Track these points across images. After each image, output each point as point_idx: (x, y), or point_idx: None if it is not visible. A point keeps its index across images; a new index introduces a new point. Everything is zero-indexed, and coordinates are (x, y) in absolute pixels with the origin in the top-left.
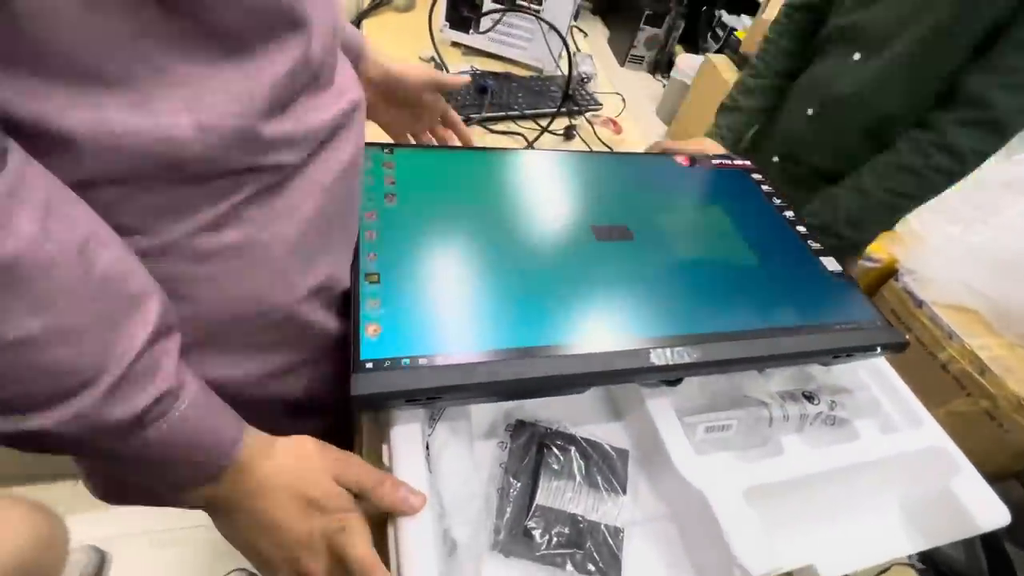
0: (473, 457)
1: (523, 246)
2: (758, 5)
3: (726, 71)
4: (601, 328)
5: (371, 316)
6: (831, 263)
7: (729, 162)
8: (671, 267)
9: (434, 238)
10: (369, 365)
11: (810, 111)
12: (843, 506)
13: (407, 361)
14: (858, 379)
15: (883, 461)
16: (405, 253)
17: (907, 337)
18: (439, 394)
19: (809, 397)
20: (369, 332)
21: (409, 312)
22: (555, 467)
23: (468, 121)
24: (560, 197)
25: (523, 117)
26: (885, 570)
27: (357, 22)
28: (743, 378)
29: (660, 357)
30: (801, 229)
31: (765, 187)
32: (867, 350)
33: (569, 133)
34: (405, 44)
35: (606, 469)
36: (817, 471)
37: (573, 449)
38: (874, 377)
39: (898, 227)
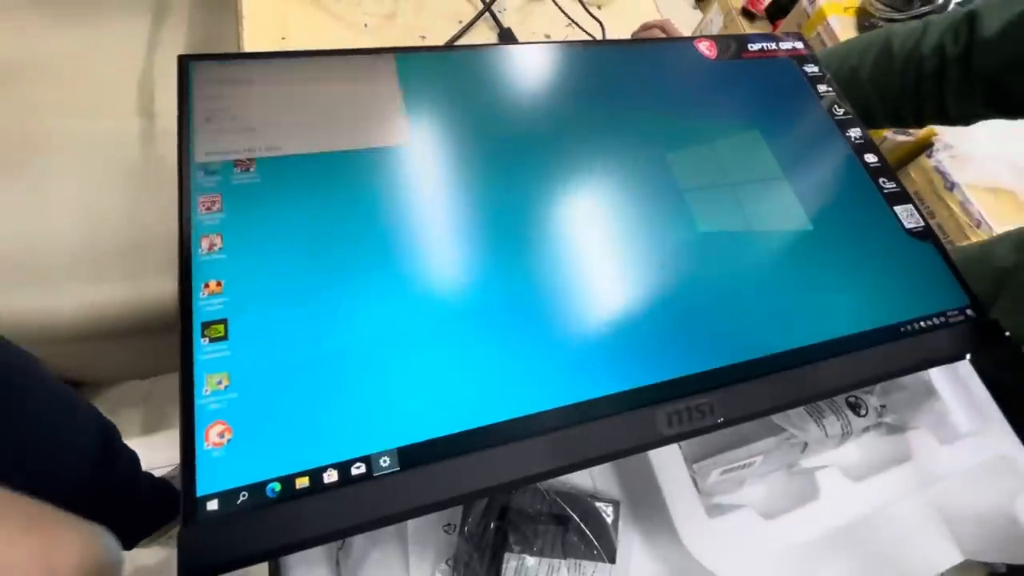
0: (407, 562)
1: (465, 254)
2: None
3: None
4: (578, 383)
5: (214, 408)
6: (910, 215)
7: (773, 46)
8: (683, 258)
9: (327, 246)
10: (212, 505)
11: None
12: (891, 552)
13: (275, 487)
14: None
15: (940, 480)
16: (276, 275)
17: (1007, 335)
18: (336, 537)
19: (854, 406)
20: (211, 439)
21: (279, 391)
22: (520, 547)
23: None
24: (515, 147)
25: None
26: None
27: None
28: None
29: (671, 422)
30: (871, 159)
31: (822, 87)
32: (956, 358)
33: None
34: None
35: (588, 533)
36: (864, 514)
37: (544, 514)
38: None
39: None
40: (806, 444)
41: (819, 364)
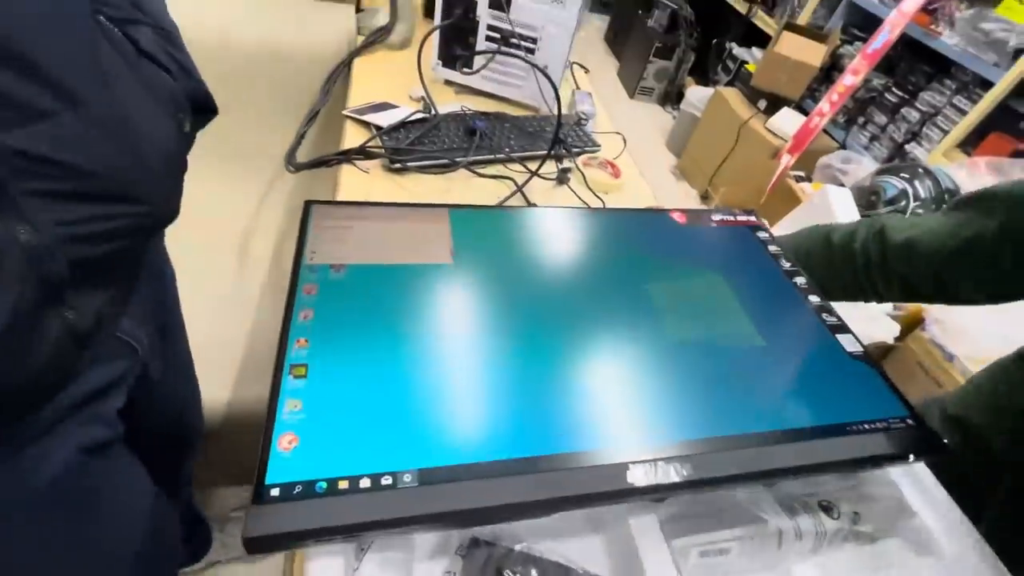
0: None
1: (484, 336)
2: (768, 38)
3: (737, 103)
4: (567, 438)
5: (288, 423)
6: (850, 342)
7: (732, 218)
8: (657, 356)
9: (384, 324)
10: (275, 492)
11: None
12: None
13: (323, 485)
14: (882, 477)
15: None
16: (346, 341)
17: (946, 442)
18: (362, 530)
19: (827, 508)
20: (282, 445)
21: (336, 418)
22: None
23: (455, 164)
24: (528, 269)
25: (511, 160)
26: None
27: (348, 61)
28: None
29: (641, 475)
30: (815, 299)
31: (772, 248)
32: (899, 458)
33: (561, 177)
34: (396, 82)
35: None
36: None
37: None
38: (903, 474)
39: None
40: (781, 536)
41: (776, 447)
